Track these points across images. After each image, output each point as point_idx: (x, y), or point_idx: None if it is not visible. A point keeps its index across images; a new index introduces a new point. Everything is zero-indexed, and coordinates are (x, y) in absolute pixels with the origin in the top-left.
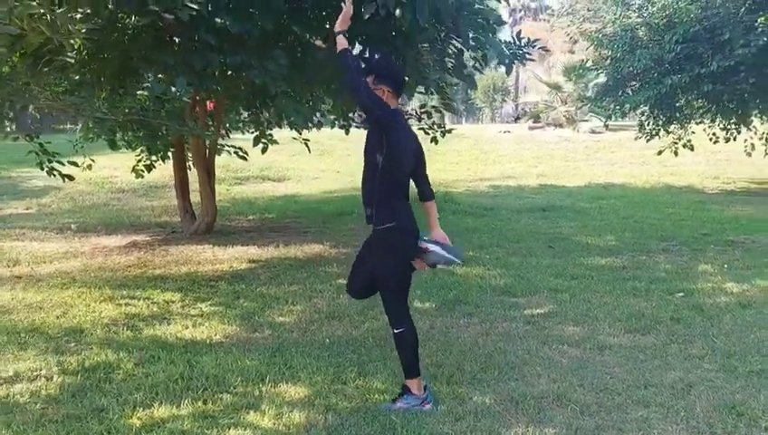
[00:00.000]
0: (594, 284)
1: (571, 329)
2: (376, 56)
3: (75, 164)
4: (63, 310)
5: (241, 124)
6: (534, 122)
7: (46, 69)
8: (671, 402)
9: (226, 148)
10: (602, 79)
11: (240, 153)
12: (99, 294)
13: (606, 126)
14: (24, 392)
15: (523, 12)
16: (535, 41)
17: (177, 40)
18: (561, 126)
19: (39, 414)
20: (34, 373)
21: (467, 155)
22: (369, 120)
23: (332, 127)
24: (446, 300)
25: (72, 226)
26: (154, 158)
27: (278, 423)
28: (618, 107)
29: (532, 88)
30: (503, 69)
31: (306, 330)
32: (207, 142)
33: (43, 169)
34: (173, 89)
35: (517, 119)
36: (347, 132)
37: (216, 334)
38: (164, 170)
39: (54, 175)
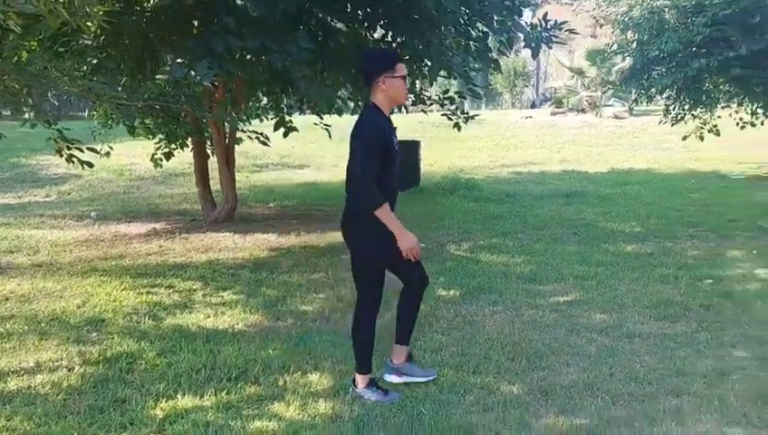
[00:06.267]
0: (621, 271)
1: (598, 317)
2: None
3: (94, 151)
4: (84, 299)
5: (260, 111)
6: (557, 108)
7: (63, 50)
8: (704, 391)
9: (248, 133)
10: (627, 63)
11: (261, 138)
12: (119, 283)
13: (631, 110)
14: (46, 383)
15: None
16: (562, 23)
17: (195, 23)
18: (583, 111)
19: (61, 406)
20: (56, 364)
21: (488, 141)
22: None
23: (352, 113)
24: (470, 288)
25: (92, 214)
26: (173, 146)
27: (303, 414)
28: (643, 91)
29: (554, 73)
30: (523, 53)
31: (329, 319)
32: (227, 129)
33: (61, 155)
34: (193, 73)
35: (533, 105)
36: None
37: (238, 323)
38: (183, 158)
39: (73, 162)
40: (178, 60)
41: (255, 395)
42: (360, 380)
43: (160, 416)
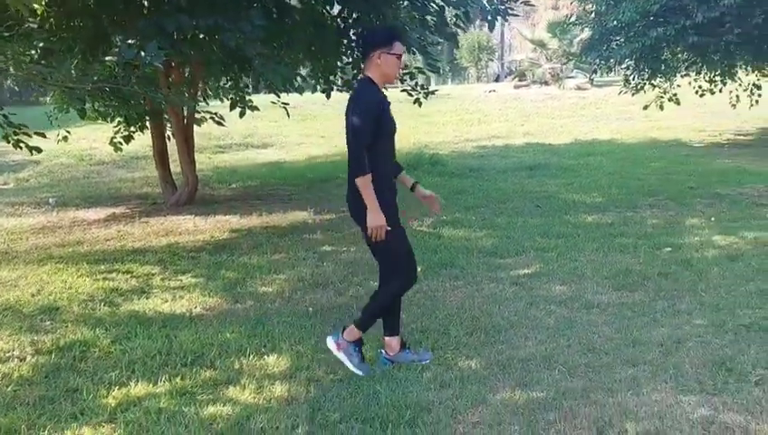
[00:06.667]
0: (581, 242)
1: (558, 288)
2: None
3: (42, 135)
4: (39, 287)
5: (220, 91)
6: (520, 81)
7: (8, 34)
8: (660, 360)
9: (203, 114)
10: (587, 34)
11: (216, 118)
12: (76, 270)
13: (591, 81)
14: None
15: None
16: None
17: (146, 3)
18: (546, 83)
19: (10, 397)
20: (7, 354)
21: (453, 116)
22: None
23: (313, 91)
24: (431, 263)
25: (50, 200)
26: (132, 129)
27: (258, 397)
28: (603, 62)
29: (518, 46)
30: (487, 27)
31: (289, 299)
32: (185, 110)
33: (8, 141)
34: (143, 54)
35: (497, 79)
36: (328, 96)
37: (196, 307)
38: (145, 141)
39: (21, 148)
40: (129, 41)
41: (211, 380)
42: (352, 332)
43: (112, 404)
